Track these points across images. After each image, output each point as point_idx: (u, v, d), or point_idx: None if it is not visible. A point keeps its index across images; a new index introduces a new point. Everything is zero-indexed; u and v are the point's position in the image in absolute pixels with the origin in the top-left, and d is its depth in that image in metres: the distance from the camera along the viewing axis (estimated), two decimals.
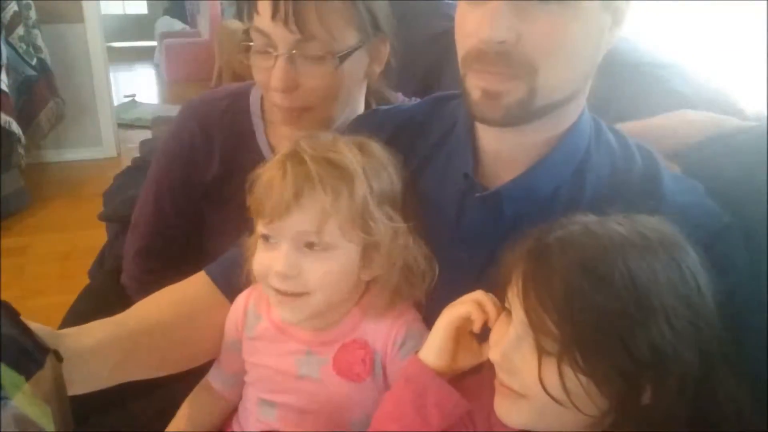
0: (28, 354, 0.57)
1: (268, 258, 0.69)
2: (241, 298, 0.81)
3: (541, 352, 0.53)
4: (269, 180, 0.68)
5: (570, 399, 0.53)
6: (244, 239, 0.76)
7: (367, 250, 0.69)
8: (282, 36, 0.83)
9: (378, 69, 0.95)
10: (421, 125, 0.82)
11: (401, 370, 0.67)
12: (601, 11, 0.64)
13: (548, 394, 0.53)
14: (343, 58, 0.86)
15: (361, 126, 0.85)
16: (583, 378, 0.52)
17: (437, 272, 0.72)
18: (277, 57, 0.84)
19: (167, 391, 0.89)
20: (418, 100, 1.12)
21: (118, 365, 0.72)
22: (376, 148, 0.73)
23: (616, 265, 0.52)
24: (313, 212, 0.66)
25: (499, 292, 0.63)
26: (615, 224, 0.56)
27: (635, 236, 0.54)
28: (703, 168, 0.77)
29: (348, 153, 0.68)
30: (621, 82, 0.70)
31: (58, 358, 0.61)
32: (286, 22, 0.81)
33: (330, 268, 0.68)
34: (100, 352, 0.70)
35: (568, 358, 0.52)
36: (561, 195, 0.71)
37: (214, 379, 0.85)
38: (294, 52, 0.84)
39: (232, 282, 0.79)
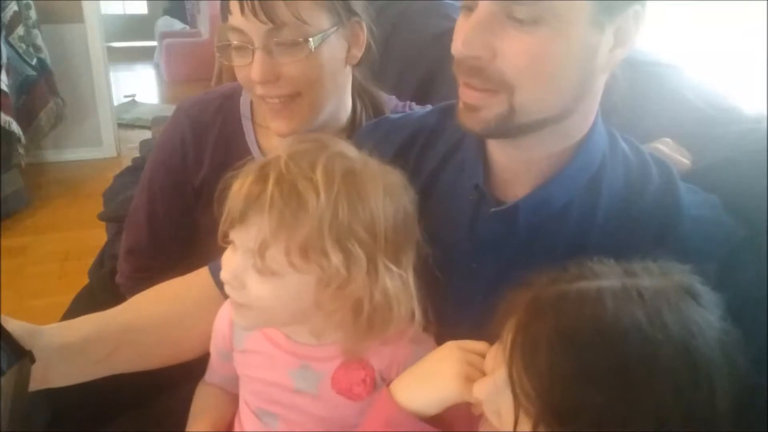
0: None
1: (227, 259, 0.68)
2: (224, 310, 0.79)
3: (518, 408, 0.51)
4: (235, 185, 0.65)
5: None
6: None
7: (320, 283, 0.65)
8: (255, 29, 0.85)
9: (358, 54, 0.96)
10: (433, 134, 0.81)
11: (378, 407, 0.65)
12: (591, 31, 0.61)
13: None
14: (317, 41, 0.87)
15: (371, 134, 0.85)
16: None
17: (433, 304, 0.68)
18: (254, 51, 0.86)
19: (187, 392, 0.88)
20: (413, 104, 1.12)
21: (103, 360, 0.72)
22: (371, 174, 0.66)
23: (613, 353, 0.47)
24: (255, 235, 0.62)
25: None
26: (632, 299, 0.50)
27: (648, 321, 0.48)
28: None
29: (321, 183, 0.62)
30: (617, 80, 0.70)
31: (31, 359, 0.60)
32: (255, 15, 0.83)
33: (271, 293, 0.65)
34: (85, 347, 0.71)
35: (545, 423, 0.49)
36: (574, 207, 0.71)
37: (211, 379, 0.84)
38: (273, 41, 0.85)
39: None
